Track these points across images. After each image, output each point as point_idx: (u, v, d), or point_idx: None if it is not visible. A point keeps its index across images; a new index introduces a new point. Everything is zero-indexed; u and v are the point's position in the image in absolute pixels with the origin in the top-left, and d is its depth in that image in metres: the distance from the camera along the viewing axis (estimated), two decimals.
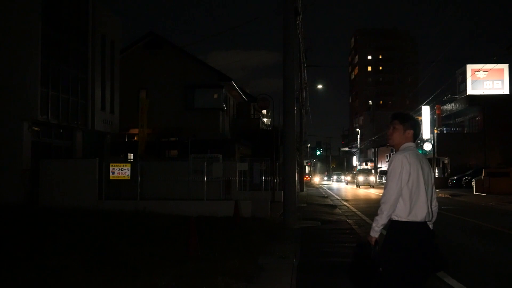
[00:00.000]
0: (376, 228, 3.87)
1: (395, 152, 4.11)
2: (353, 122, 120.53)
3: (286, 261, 8.21)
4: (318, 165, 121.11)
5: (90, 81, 21.39)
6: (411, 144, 4.04)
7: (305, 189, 39.66)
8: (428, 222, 3.93)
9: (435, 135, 44.84)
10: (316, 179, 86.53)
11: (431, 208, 3.92)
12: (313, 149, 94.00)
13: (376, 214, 3.88)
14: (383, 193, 3.89)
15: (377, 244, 3.90)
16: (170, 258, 7.69)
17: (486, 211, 19.41)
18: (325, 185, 59.25)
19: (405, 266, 3.75)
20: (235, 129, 35.23)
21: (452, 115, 50.57)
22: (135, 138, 28.26)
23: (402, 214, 3.84)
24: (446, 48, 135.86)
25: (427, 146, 46.18)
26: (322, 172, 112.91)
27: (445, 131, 50.54)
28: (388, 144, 4.29)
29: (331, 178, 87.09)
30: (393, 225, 3.86)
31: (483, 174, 32.35)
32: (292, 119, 14.40)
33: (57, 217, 12.75)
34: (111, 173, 15.92)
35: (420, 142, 49.92)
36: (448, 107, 50.01)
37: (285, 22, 14.31)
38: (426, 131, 47.24)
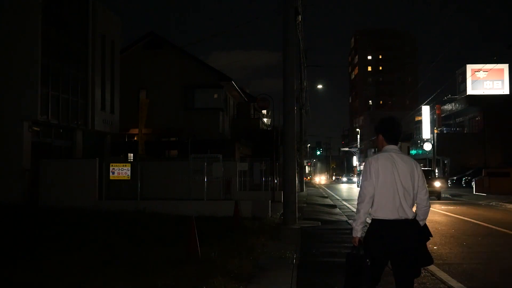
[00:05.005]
0: (356, 228, 4.11)
1: None
2: (353, 122, 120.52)
3: (286, 261, 8.21)
4: (318, 165, 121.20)
5: (90, 81, 21.38)
6: (387, 146, 4.26)
7: (305, 189, 39.66)
8: (419, 220, 4.15)
9: (435, 135, 44.85)
10: (320, 179, 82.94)
11: (404, 206, 4.05)
12: (313, 149, 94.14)
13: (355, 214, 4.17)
14: (358, 194, 4.18)
15: (361, 243, 4.09)
16: (170, 258, 7.69)
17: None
18: (336, 190, 43.36)
19: (375, 259, 4.00)
20: (235, 129, 35.23)
21: (452, 115, 50.60)
22: (135, 138, 28.25)
23: (372, 212, 4.14)
24: (446, 48, 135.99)
25: (427, 146, 46.22)
26: (322, 172, 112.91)
27: (445, 131, 50.56)
28: None
29: (356, 180, 59.88)
30: (370, 223, 4.18)
31: (483, 174, 32.33)
32: (292, 119, 14.40)
33: (57, 217, 12.74)
34: (111, 173, 15.92)
35: (420, 142, 50.02)
36: (448, 107, 50.04)
37: (285, 22, 14.30)
38: (426, 131, 47.28)
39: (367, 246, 4.05)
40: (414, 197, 4.13)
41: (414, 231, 4.09)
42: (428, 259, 4.20)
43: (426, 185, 4.25)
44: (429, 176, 26.88)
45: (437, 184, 26.83)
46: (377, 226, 4.08)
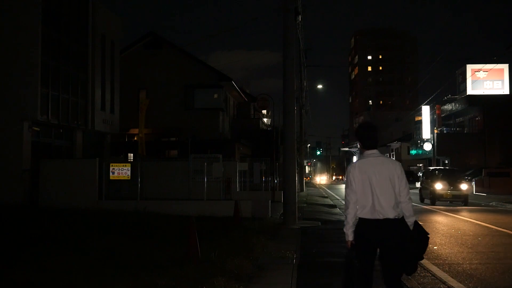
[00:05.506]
0: (347, 232, 4.43)
1: None
2: (353, 122, 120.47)
3: (286, 261, 8.21)
4: (318, 165, 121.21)
5: (90, 81, 21.36)
6: (366, 152, 4.50)
7: (305, 189, 39.64)
8: (406, 218, 4.35)
9: (435, 135, 44.86)
10: (320, 179, 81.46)
11: (384, 206, 4.26)
12: (313, 149, 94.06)
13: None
14: (344, 201, 4.49)
15: (353, 246, 4.38)
16: (170, 258, 7.70)
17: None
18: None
19: (362, 254, 4.33)
20: (235, 129, 35.24)
21: (452, 115, 50.56)
22: (135, 138, 28.26)
23: (357, 213, 4.39)
24: (446, 48, 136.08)
25: (427, 146, 46.23)
26: (322, 172, 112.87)
27: (445, 131, 50.52)
28: None
29: None
30: (357, 222, 4.41)
31: (483, 174, 32.36)
32: (292, 119, 14.40)
33: (57, 217, 12.73)
34: (111, 173, 15.92)
35: (420, 142, 50.01)
36: (448, 107, 50.01)
37: (285, 22, 14.30)
38: (426, 131, 47.30)
39: (355, 245, 4.31)
40: (397, 197, 4.32)
41: (397, 230, 4.26)
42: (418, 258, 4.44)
43: (408, 184, 4.46)
44: (454, 178, 23.40)
45: (464, 186, 22.85)
46: (361, 225, 4.35)
